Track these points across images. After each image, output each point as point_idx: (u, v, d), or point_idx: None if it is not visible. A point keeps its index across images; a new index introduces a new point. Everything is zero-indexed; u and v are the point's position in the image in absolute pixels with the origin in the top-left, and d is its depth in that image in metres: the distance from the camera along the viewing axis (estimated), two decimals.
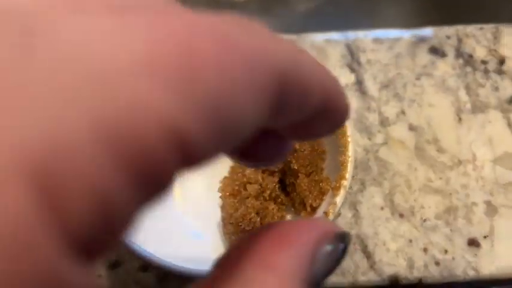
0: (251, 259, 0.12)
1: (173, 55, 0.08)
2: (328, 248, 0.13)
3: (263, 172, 0.31)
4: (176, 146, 0.08)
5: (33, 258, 0.07)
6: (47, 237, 0.07)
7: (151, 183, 0.08)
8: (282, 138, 0.15)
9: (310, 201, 0.29)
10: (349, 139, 0.28)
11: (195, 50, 0.09)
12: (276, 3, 0.72)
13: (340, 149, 0.28)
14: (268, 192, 0.30)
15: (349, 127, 0.29)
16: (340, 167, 0.28)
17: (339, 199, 0.26)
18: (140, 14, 0.09)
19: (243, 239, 0.13)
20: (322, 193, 0.30)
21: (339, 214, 0.26)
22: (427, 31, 0.41)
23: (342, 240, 0.14)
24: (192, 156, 0.09)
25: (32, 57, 0.07)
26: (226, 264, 0.12)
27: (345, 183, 0.27)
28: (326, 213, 0.26)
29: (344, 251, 0.14)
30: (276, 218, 0.29)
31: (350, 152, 0.28)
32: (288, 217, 0.31)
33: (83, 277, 0.08)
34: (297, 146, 0.30)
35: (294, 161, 0.30)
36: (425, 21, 0.63)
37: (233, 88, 0.09)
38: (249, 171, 0.31)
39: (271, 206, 0.30)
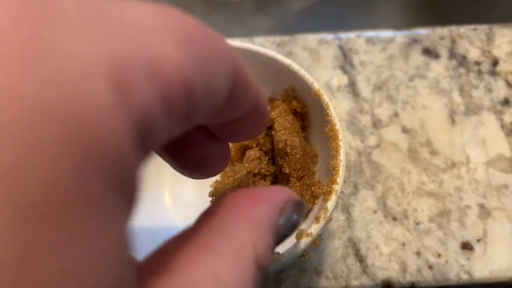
0: (230, 212, 0.14)
1: (183, 29, 0.12)
2: (290, 209, 0.16)
3: (254, 176, 0.31)
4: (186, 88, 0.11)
5: (109, 136, 0.09)
6: (120, 119, 0.09)
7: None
8: (215, 141, 0.19)
9: None
10: (341, 143, 0.28)
11: (195, 31, 0.12)
12: (270, 2, 0.72)
13: (332, 152, 0.28)
14: None
15: (341, 130, 0.28)
16: (332, 171, 0.27)
17: (330, 204, 0.26)
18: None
19: (221, 198, 0.15)
20: (314, 197, 0.29)
21: (330, 219, 0.26)
22: (420, 32, 0.40)
23: (300, 205, 0.17)
24: (194, 101, 0.12)
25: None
26: (207, 218, 0.14)
27: (337, 187, 0.27)
28: (317, 219, 0.26)
29: (300, 216, 0.17)
30: None
31: (342, 156, 0.28)
32: None
33: (139, 162, 0.10)
34: (288, 149, 0.29)
35: (285, 165, 0.29)
36: (418, 21, 0.63)
37: (213, 63, 0.13)
38: (240, 175, 0.30)
39: None
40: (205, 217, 0.15)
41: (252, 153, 0.31)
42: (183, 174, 0.20)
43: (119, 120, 0.09)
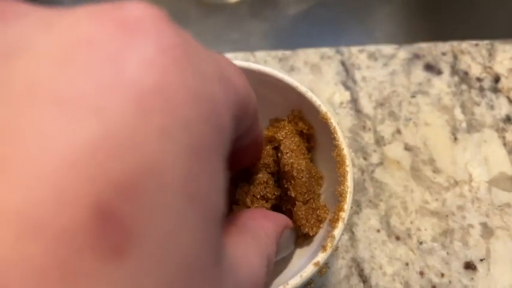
0: (250, 218, 0.18)
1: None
2: (288, 232, 0.20)
3: (254, 195, 0.31)
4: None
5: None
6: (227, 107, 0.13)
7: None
8: None
9: (306, 230, 0.29)
10: (348, 168, 0.28)
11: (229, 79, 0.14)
12: (266, 6, 0.72)
13: (339, 178, 0.28)
14: None
15: (348, 155, 0.28)
16: (339, 197, 0.27)
17: (337, 232, 0.26)
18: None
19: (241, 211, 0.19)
20: (319, 221, 0.29)
21: (337, 247, 0.26)
22: (422, 46, 0.40)
23: (293, 233, 0.21)
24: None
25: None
26: (234, 218, 0.18)
27: (344, 215, 0.27)
28: (324, 247, 0.26)
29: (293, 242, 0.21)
30: None
31: (349, 182, 0.27)
32: None
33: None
34: (294, 173, 0.29)
35: (291, 188, 0.29)
36: (419, 34, 0.63)
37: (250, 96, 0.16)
38: (237, 192, 0.30)
39: None
40: (233, 217, 0.18)
41: (260, 176, 0.30)
42: None
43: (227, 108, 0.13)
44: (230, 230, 0.16)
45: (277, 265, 0.29)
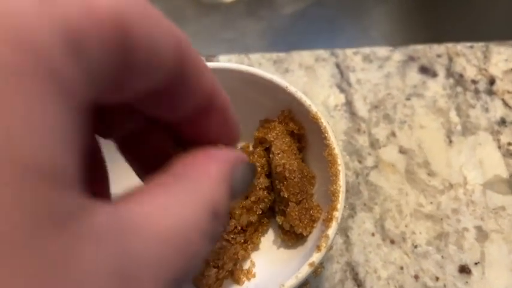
0: (189, 165, 0.16)
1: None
2: (243, 168, 0.17)
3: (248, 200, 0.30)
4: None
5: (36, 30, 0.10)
6: (45, 20, 0.11)
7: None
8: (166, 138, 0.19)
9: (300, 230, 0.29)
10: (340, 167, 0.28)
11: None
12: (262, 5, 0.72)
13: (331, 178, 0.28)
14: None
15: (340, 155, 0.28)
16: (332, 197, 0.27)
17: (331, 232, 0.26)
18: None
19: (183, 157, 0.17)
20: (312, 221, 0.29)
21: (331, 247, 0.25)
22: (417, 48, 0.40)
23: (251, 166, 0.18)
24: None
25: None
26: (168, 170, 0.16)
27: (337, 214, 0.26)
28: (318, 247, 0.25)
29: (252, 176, 0.18)
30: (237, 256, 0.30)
31: (341, 181, 0.27)
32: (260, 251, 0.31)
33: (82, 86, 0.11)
34: (286, 173, 0.29)
35: (283, 189, 0.29)
36: (414, 32, 0.63)
37: (155, 24, 0.14)
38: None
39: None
40: (167, 169, 0.16)
41: (261, 181, 0.30)
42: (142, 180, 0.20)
43: (43, 19, 0.11)
44: (161, 181, 0.15)
45: (273, 266, 0.29)
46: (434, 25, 0.63)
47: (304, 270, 0.25)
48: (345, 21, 0.70)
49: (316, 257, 0.25)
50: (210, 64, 0.31)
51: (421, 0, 0.66)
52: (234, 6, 0.72)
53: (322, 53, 0.40)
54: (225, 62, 0.39)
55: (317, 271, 0.26)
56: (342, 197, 0.27)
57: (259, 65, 0.39)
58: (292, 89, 0.30)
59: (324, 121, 0.29)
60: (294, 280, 0.25)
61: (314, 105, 0.29)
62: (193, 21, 0.71)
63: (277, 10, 0.72)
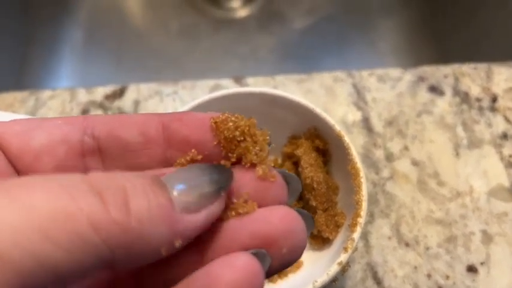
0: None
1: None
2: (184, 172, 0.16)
3: None
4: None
5: None
6: None
7: None
8: None
9: (327, 234, 0.33)
10: (362, 180, 0.32)
11: None
12: (273, 21, 0.75)
13: (355, 188, 0.32)
14: None
15: (362, 169, 0.32)
16: (355, 205, 0.31)
17: (356, 235, 0.30)
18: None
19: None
20: (337, 226, 0.33)
21: (356, 248, 0.29)
22: (426, 70, 0.44)
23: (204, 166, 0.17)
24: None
25: None
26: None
27: (361, 220, 0.30)
28: (345, 249, 0.29)
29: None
30: None
31: (364, 191, 0.31)
32: None
33: None
34: (314, 185, 0.33)
35: (312, 198, 0.33)
36: (419, 46, 0.67)
37: None
38: None
39: None
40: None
41: None
42: None
43: None
44: None
45: (303, 266, 0.33)
46: (438, 38, 0.67)
47: (334, 269, 0.29)
48: (353, 35, 0.74)
49: (343, 257, 0.29)
50: (245, 89, 0.35)
51: (426, 14, 0.70)
52: (246, 22, 0.76)
53: (340, 74, 0.44)
54: (253, 83, 0.43)
55: (344, 269, 0.30)
56: (364, 205, 0.31)
57: (283, 85, 0.43)
58: (318, 110, 0.34)
59: (347, 139, 0.33)
60: (325, 277, 0.29)
61: (337, 125, 0.33)
62: (207, 37, 0.75)
63: (288, 25, 0.76)
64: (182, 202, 0.15)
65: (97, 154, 0.18)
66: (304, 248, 0.17)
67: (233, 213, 0.17)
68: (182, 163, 0.18)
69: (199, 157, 0.18)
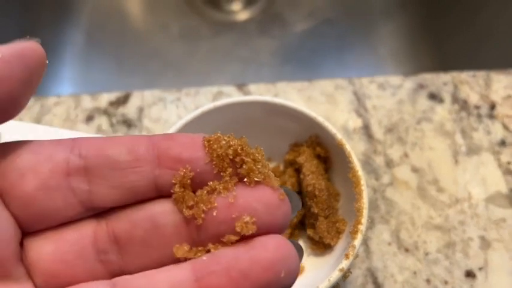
0: None
1: None
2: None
3: None
4: None
5: None
6: None
7: None
8: None
9: (328, 241, 0.33)
10: (363, 187, 0.32)
11: None
12: (273, 24, 0.76)
13: (356, 196, 0.32)
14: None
15: (363, 177, 0.33)
16: (356, 213, 0.32)
17: (357, 242, 0.30)
18: None
19: None
20: (338, 233, 0.34)
21: (357, 255, 0.30)
22: (426, 77, 0.45)
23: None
24: None
25: None
26: None
27: (362, 227, 0.31)
28: (347, 255, 0.30)
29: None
30: None
31: (365, 199, 0.32)
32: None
33: None
34: (316, 192, 0.34)
35: (314, 205, 0.34)
36: (418, 49, 0.68)
37: None
38: None
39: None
40: None
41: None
42: None
43: None
44: None
45: (304, 272, 0.34)
46: (438, 43, 0.67)
47: (335, 275, 0.30)
48: (354, 39, 0.74)
49: (345, 264, 0.30)
50: (247, 98, 0.36)
51: (426, 19, 0.70)
52: (246, 26, 0.76)
53: (341, 81, 0.45)
54: (255, 90, 0.44)
55: (346, 275, 0.30)
56: (365, 212, 0.32)
57: (285, 93, 0.44)
58: (319, 119, 0.35)
59: (348, 147, 0.33)
60: (326, 283, 0.29)
61: (338, 133, 0.34)
62: (208, 40, 0.75)
63: (289, 28, 0.77)
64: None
65: (83, 173, 0.19)
66: (298, 273, 0.19)
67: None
68: (179, 180, 0.18)
69: (192, 174, 0.18)
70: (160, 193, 0.19)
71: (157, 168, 0.19)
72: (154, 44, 0.75)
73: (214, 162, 0.19)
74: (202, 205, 0.18)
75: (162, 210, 0.19)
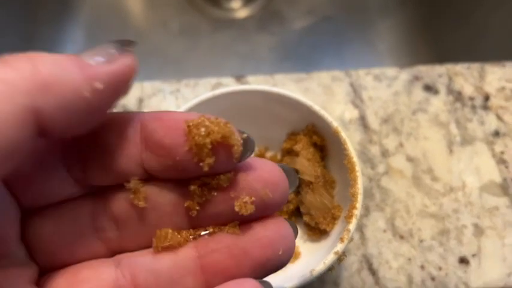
0: None
1: None
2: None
3: None
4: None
5: None
6: None
7: None
8: None
9: (324, 227, 0.34)
10: (358, 174, 0.33)
11: None
12: (273, 21, 0.76)
13: (351, 182, 0.33)
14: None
15: (357, 163, 0.33)
16: (351, 198, 0.32)
17: (351, 226, 0.31)
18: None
19: None
20: (334, 219, 0.34)
21: (352, 239, 0.31)
22: (421, 69, 0.46)
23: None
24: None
25: None
26: None
27: (356, 212, 0.32)
28: (341, 239, 0.31)
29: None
30: None
31: (359, 185, 0.33)
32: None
33: None
34: (312, 179, 0.34)
35: (310, 192, 0.34)
36: (416, 45, 0.68)
37: None
38: None
39: None
40: None
41: None
42: None
43: None
44: None
45: (301, 256, 0.35)
46: (435, 38, 0.68)
47: (330, 258, 0.30)
48: (352, 35, 0.75)
49: (340, 247, 0.31)
50: (246, 87, 0.37)
51: (423, 15, 0.71)
52: (246, 22, 0.77)
53: (338, 73, 0.45)
54: (253, 82, 0.45)
55: (340, 258, 0.31)
56: (360, 197, 0.32)
57: (283, 84, 0.45)
58: (316, 107, 0.35)
59: (344, 135, 0.34)
60: (322, 265, 0.30)
61: (334, 121, 0.35)
62: (208, 36, 0.76)
63: (288, 25, 0.77)
64: (92, 59, 0.17)
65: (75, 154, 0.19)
66: (294, 250, 0.20)
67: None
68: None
69: (170, 163, 0.18)
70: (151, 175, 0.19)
71: (144, 151, 0.18)
72: (154, 40, 0.76)
73: (193, 151, 0.17)
74: (197, 198, 0.19)
75: (159, 189, 0.19)
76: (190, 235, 0.19)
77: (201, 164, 0.18)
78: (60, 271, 0.19)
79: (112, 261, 0.19)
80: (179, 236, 0.19)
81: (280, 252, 0.19)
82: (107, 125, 0.19)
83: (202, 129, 0.17)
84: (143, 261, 0.19)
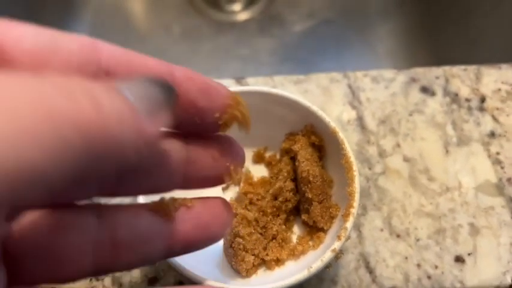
0: None
1: None
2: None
3: (276, 199, 0.37)
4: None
5: None
6: None
7: None
8: None
9: (322, 225, 0.35)
10: (355, 173, 0.34)
11: None
12: (273, 24, 0.77)
13: (348, 181, 0.34)
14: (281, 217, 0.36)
15: (355, 162, 0.34)
16: (348, 197, 0.33)
17: (349, 224, 0.32)
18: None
19: None
20: (332, 217, 0.35)
21: (349, 237, 0.31)
22: (418, 71, 0.46)
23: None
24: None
25: None
26: None
27: (353, 211, 0.32)
28: (339, 237, 0.31)
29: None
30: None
31: (356, 184, 0.33)
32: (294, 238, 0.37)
33: None
34: (310, 178, 0.35)
35: (308, 191, 0.35)
36: (416, 48, 0.69)
37: None
38: (268, 199, 0.36)
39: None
40: None
41: (288, 184, 0.36)
42: None
43: None
44: None
45: (299, 254, 0.35)
46: (433, 41, 0.69)
47: (328, 255, 0.31)
48: (352, 38, 0.76)
49: (337, 245, 0.31)
50: (245, 88, 0.37)
51: (422, 18, 0.72)
52: (247, 25, 0.78)
53: (336, 75, 0.46)
54: (253, 83, 0.45)
55: (338, 256, 0.32)
56: (357, 196, 0.33)
57: (282, 86, 0.45)
58: (314, 108, 0.36)
59: (341, 135, 0.35)
60: (319, 263, 0.31)
61: (332, 122, 0.35)
62: (209, 39, 0.77)
63: (288, 28, 0.78)
64: (142, 109, 0.14)
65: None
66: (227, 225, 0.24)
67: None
68: None
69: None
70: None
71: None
72: (156, 42, 0.77)
73: (222, 121, 0.21)
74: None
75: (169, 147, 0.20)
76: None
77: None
78: None
79: (93, 214, 0.18)
80: None
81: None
82: (140, 71, 0.19)
83: (241, 106, 0.22)
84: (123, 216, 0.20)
